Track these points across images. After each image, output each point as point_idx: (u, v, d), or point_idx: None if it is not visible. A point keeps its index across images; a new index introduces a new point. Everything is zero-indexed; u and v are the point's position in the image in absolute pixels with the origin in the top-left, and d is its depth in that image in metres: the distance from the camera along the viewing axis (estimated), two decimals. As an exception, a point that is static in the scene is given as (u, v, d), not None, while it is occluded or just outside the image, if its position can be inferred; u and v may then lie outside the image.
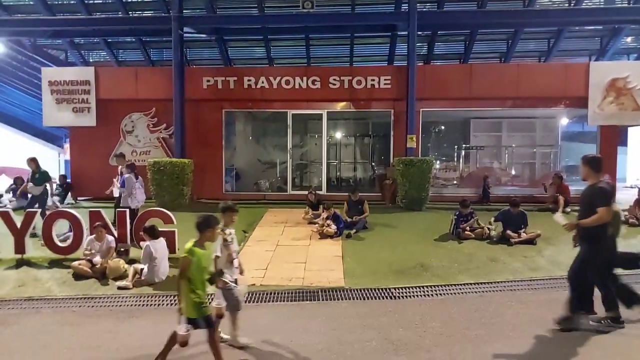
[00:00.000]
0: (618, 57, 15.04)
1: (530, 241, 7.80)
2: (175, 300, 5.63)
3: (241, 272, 4.40)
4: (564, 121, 13.34)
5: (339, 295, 5.72)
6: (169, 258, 6.52)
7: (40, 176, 8.73)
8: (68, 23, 13.33)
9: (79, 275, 6.32)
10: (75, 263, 6.42)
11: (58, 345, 4.38)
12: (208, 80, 12.42)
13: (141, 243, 6.82)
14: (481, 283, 6.09)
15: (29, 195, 8.96)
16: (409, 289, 5.92)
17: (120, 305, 5.52)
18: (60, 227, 7.47)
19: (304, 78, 12.27)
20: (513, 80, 12.00)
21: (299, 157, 14.13)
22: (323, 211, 9.06)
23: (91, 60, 15.97)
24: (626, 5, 12.84)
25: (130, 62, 15.53)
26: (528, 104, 12.57)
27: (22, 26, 13.32)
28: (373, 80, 12.23)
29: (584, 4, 13.04)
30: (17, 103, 23.01)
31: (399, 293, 5.79)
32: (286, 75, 12.36)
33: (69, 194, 12.40)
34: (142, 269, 6.17)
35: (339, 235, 8.34)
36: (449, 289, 5.93)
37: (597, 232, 4.43)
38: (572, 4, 12.99)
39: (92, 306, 5.51)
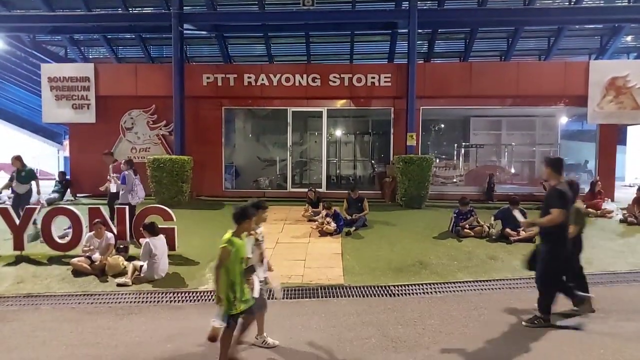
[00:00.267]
0: (618, 56, 15.06)
1: (530, 239, 7.78)
2: (174, 298, 5.66)
3: (270, 269, 4.34)
4: (563, 120, 13.36)
5: (338, 293, 5.73)
6: (168, 255, 6.53)
7: (26, 174, 8.53)
8: (68, 19, 13.27)
9: (78, 272, 6.32)
10: (75, 260, 6.42)
11: (57, 342, 4.39)
12: (208, 78, 12.39)
13: (141, 240, 6.83)
14: (480, 281, 6.11)
15: (11, 194, 8.74)
16: (408, 286, 5.94)
17: (119, 302, 5.53)
18: (60, 224, 7.46)
19: (304, 75, 12.25)
20: (513, 78, 12.00)
21: (298, 155, 14.12)
22: (323, 209, 9.06)
23: (91, 56, 15.91)
24: (626, 4, 12.81)
25: (130, 59, 15.50)
26: (528, 102, 12.56)
27: (21, 22, 13.27)
28: (373, 78, 12.21)
29: (584, 2, 13.01)
30: (17, 99, 22.97)
31: (398, 290, 5.81)
32: (286, 72, 12.34)
33: (68, 190, 12.38)
34: (141, 266, 6.18)
35: (338, 233, 8.35)
36: (448, 287, 5.95)
37: (557, 233, 4.50)
38: (572, 3, 12.96)
39: (91, 303, 5.52)
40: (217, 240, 8.12)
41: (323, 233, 8.38)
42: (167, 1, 12.55)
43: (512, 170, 14.15)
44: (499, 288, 5.91)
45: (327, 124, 12.99)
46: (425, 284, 6.02)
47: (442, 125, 14.92)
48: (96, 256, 6.45)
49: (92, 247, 6.58)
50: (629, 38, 14.89)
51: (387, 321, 4.82)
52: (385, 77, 12.20)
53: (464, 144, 14.02)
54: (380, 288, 5.88)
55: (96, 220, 6.77)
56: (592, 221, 9.52)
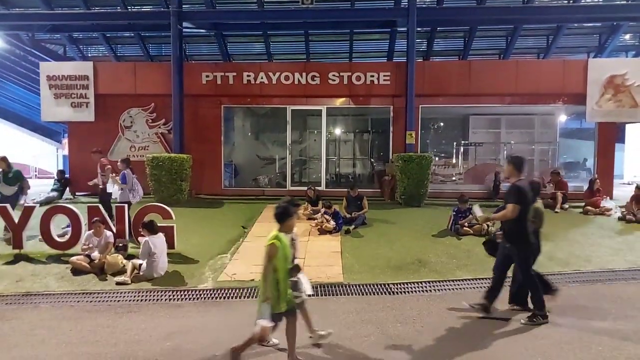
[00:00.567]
0: (616, 54, 15.06)
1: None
2: (174, 296, 5.66)
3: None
4: (562, 118, 13.38)
5: (337, 291, 5.74)
6: (167, 253, 6.53)
7: (13, 176, 8.30)
8: (66, 17, 13.25)
9: (77, 271, 6.32)
10: (74, 258, 6.42)
11: (56, 340, 4.39)
12: (207, 76, 12.38)
13: (139, 239, 6.83)
14: (479, 279, 6.11)
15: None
16: (407, 284, 5.95)
17: (118, 301, 5.53)
18: (59, 223, 7.46)
19: (303, 74, 12.24)
20: (512, 76, 12.00)
21: (298, 153, 14.12)
22: (322, 207, 9.07)
23: (90, 55, 15.89)
24: (625, 2, 12.80)
25: (129, 57, 15.46)
26: (527, 100, 12.57)
27: (20, 20, 13.22)
28: (372, 76, 12.21)
29: (582, 1, 13.03)
30: (16, 98, 22.92)
31: (397, 289, 5.81)
32: (285, 70, 12.32)
33: (67, 189, 12.37)
34: (140, 265, 6.18)
35: (337, 231, 8.36)
36: (447, 285, 5.96)
37: (518, 231, 4.60)
38: (571, 1, 12.98)
39: (91, 301, 5.52)
40: (216, 239, 8.17)
41: (322, 231, 8.39)
42: (166, -1, 12.54)
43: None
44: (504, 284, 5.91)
45: (327, 122, 12.99)
46: (425, 282, 6.03)
47: (441, 124, 14.93)
48: (95, 255, 6.45)
49: (91, 246, 6.58)
50: (627, 36, 14.92)
51: (386, 319, 4.83)
52: (384, 76, 12.20)
53: (463, 142, 14.03)
54: (379, 286, 5.89)
55: (95, 218, 6.77)
56: (591, 219, 9.56)
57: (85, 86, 12.43)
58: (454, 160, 14.05)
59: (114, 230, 7.01)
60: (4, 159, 8.29)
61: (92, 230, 6.69)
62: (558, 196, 10.41)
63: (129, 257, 6.69)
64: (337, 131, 14.70)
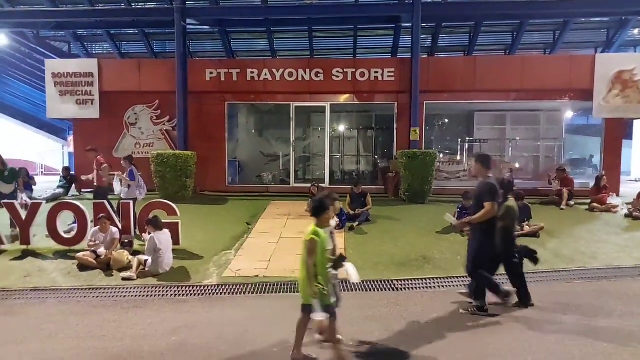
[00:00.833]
0: (624, 49, 14.86)
1: (534, 234, 7.78)
2: (179, 292, 5.70)
3: None
4: (568, 114, 13.25)
5: (341, 287, 5.73)
6: (172, 250, 6.57)
7: (9, 174, 8.38)
8: (71, 15, 13.31)
9: (83, 266, 6.37)
10: (80, 254, 6.47)
11: (63, 335, 4.44)
12: (211, 73, 12.38)
13: (144, 235, 6.87)
14: (483, 275, 6.07)
15: None
16: (411, 281, 5.95)
17: (124, 296, 5.58)
18: (65, 219, 7.51)
19: (307, 70, 12.22)
20: (517, 72, 11.90)
21: (302, 150, 14.12)
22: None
23: (94, 52, 15.93)
24: (633, -4, 12.65)
25: (133, 54, 15.49)
26: (532, 96, 12.47)
27: (25, 18, 13.30)
28: (376, 72, 12.15)
29: (590, -5, 12.87)
30: (21, 95, 23.08)
31: (401, 285, 5.82)
32: (289, 67, 12.30)
33: (73, 185, 12.45)
34: (146, 260, 6.22)
35: (341, 228, 8.35)
36: (451, 281, 5.96)
37: (485, 227, 4.64)
38: (578, -5, 12.83)
39: (97, 297, 5.58)
40: (220, 235, 8.19)
41: (326, 228, 8.38)
42: (170, -4, 12.55)
43: (517, 165, 14.08)
44: (503, 283, 5.87)
45: (330, 119, 12.97)
46: (429, 278, 6.03)
47: (446, 120, 14.85)
48: (101, 250, 6.50)
49: (97, 242, 6.63)
50: (635, 31, 14.70)
51: (390, 315, 4.83)
52: (388, 72, 12.14)
53: (467, 138, 13.95)
54: (383, 282, 5.90)
55: (101, 215, 6.82)
56: (597, 216, 9.49)
57: (90, 83, 12.49)
58: (458, 157, 13.99)
59: (120, 226, 7.06)
60: None
61: (98, 227, 6.74)
62: (564, 193, 10.34)
63: (135, 253, 6.74)
64: (341, 128, 14.67)
